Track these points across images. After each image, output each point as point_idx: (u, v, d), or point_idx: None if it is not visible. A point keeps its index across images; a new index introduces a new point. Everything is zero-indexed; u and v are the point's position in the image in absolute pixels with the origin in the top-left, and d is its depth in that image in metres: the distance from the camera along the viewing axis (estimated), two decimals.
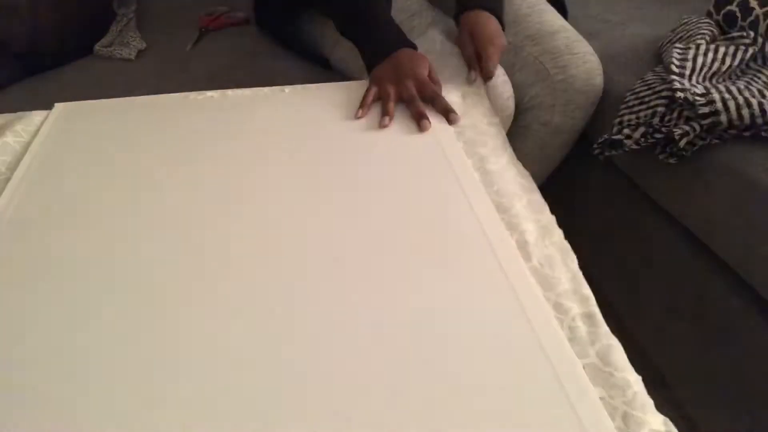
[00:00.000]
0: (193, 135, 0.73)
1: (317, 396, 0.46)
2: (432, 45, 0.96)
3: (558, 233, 0.62)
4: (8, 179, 0.67)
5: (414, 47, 0.88)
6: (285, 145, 0.72)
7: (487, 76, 0.86)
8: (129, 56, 1.15)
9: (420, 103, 0.80)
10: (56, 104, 0.78)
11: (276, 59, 1.11)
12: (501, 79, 0.92)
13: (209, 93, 0.81)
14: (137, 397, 0.46)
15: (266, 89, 0.83)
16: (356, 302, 0.54)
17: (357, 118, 0.79)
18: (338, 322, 0.52)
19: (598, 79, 0.97)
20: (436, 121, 0.77)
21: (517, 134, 1.02)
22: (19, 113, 0.77)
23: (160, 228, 0.61)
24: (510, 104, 0.94)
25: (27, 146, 0.71)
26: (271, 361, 0.49)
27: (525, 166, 0.74)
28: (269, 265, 0.57)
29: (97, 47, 1.17)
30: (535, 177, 0.75)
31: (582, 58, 0.96)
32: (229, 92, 0.81)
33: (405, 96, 0.81)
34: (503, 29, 0.93)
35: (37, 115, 0.77)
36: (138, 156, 0.70)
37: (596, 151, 0.94)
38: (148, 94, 0.83)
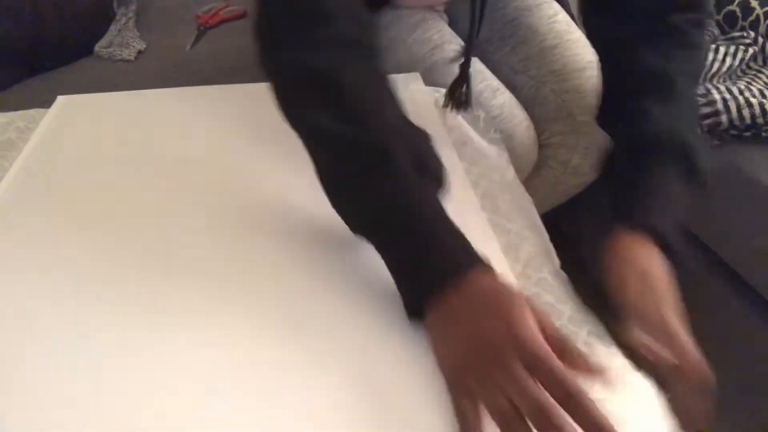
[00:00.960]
0: (194, 129, 0.73)
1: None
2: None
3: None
4: None
5: (488, 265, 0.47)
6: (287, 140, 0.71)
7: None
8: (129, 57, 1.15)
9: (550, 407, 0.37)
10: (59, 97, 0.78)
11: None
12: (525, 125, 0.86)
13: (211, 87, 0.81)
14: (136, 395, 0.46)
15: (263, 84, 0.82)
16: (347, 299, 0.53)
17: None
18: (330, 323, 0.52)
19: None
20: None
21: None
22: (21, 111, 0.77)
23: (161, 222, 0.60)
24: (533, 151, 0.88)
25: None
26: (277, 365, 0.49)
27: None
28: (276, 262, 0.57)
29: (97, 48, 1.17)
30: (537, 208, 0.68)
31: None
32: (228, 87, 0.81)
33: (513, 394, 0.39)
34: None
35: (40, 113, 0.77)
36: (140, 150, 0.70)
37: None
38: None
